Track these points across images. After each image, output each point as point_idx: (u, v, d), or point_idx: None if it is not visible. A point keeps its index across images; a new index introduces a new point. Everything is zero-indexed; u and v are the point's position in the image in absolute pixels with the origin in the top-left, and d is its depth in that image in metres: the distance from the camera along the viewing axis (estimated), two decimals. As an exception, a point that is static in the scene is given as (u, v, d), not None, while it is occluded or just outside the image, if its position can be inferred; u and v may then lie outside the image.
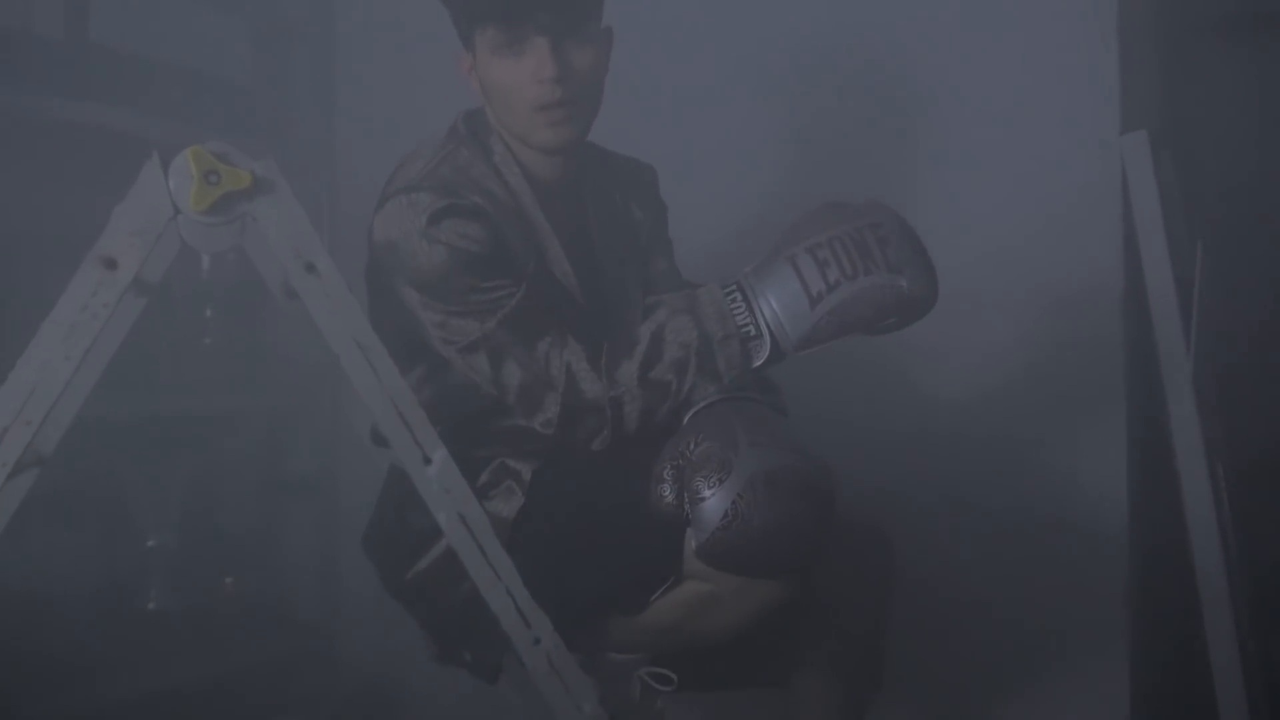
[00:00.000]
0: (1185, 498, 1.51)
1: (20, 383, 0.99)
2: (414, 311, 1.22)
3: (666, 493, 1.11)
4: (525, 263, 1.24)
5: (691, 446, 1.12)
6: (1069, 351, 1.70)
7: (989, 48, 1.74)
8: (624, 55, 1.35)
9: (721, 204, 1.90)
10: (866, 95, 1.85)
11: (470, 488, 1.13)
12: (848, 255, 1.16)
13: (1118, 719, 1.66)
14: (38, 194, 2.01)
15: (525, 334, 1.19)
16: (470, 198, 1.21)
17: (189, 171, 1.00)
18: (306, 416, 2.28)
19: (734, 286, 1.20)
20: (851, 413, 1.79)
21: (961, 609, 1.73)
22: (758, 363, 1.19)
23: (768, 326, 1.17)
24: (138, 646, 1.95)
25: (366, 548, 1.38)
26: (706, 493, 1.08)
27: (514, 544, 1.18)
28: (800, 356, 1.20)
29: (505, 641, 1.16)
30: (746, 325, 1.18)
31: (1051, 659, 1.71)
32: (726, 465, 1.08)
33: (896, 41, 1.82)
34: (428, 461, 1.09)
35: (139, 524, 2.09)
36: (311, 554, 2.30)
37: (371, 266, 1.28)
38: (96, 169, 1.92)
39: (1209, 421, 1.56)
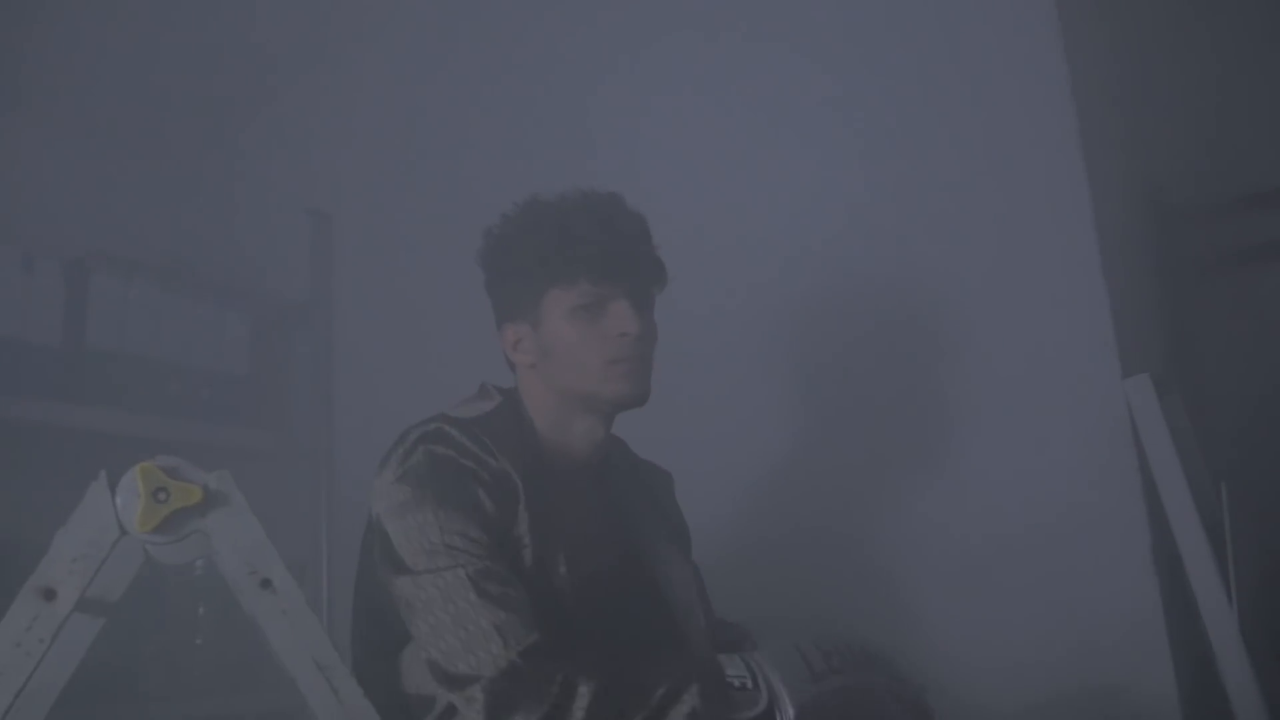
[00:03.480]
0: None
1: (-54, 732, 0.91)
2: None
3: None
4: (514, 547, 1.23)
5: None
6: (1108, 613, 1.58)
7: (988, 312, 1.74)
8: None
9: (726, 463, 1.85)
10: (872, 356, 1.84)
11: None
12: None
13: None
14: (33, 501, 1.98)
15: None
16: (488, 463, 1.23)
17: (136, 490, 0.96)
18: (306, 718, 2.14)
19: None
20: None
21: None
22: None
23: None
24: None
25: None
26: None
27: None
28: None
29: None
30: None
31: None
32: None
33: (896, 304, 1.83)
34: (395, 793, 0.98)
35: None
36: None
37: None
38: (92, 473, 1.90)
39: (1265, 673, 1.43)
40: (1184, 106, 1.97)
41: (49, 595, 0.93)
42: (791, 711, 1.14)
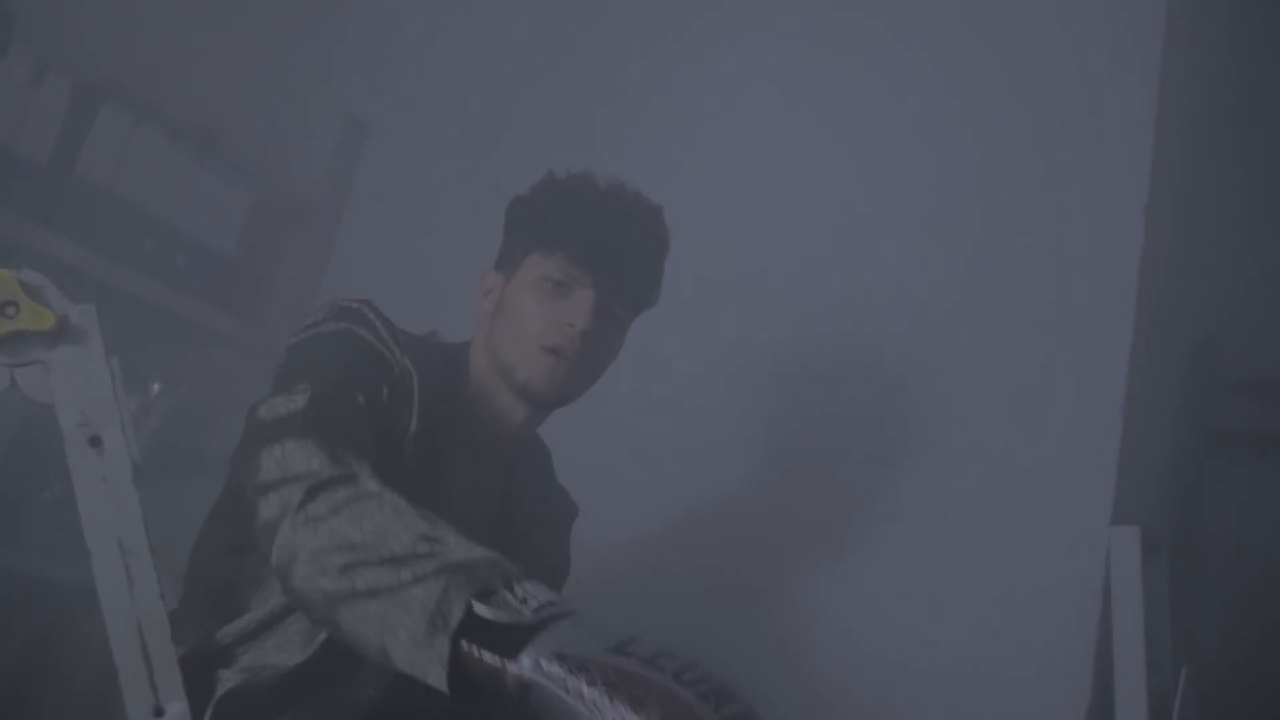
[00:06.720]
0: None
1: None
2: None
3: None
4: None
5: None
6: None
7: (995, 423, 1.67)
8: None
9: (689, 497, 1.78)
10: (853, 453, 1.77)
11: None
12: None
13: None
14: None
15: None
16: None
17: (-16, 297, 0.85)
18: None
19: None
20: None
21: None
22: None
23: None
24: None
25: None
26: None
27: None
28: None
29: None
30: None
31: None
32: None
33: (882, 370, 1.78)
34: (159, 714, 0.85)
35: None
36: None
37: None
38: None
39: None
40: (1254, 277, 1.86)
41: None
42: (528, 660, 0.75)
